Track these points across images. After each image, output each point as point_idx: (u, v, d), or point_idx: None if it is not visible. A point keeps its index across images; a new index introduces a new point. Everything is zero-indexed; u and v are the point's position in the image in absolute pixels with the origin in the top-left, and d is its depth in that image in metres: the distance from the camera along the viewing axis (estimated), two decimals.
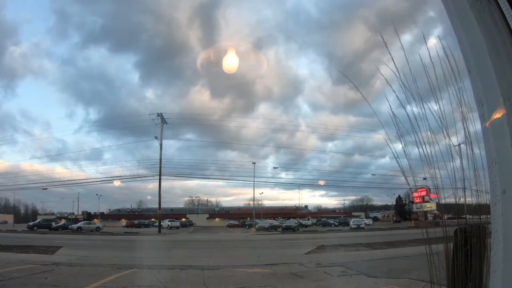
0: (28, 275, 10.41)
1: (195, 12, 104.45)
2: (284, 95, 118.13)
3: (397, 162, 3.75)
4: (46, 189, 64.26)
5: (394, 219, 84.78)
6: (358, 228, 54.11)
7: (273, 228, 56.88)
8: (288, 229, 54.43)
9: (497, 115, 1.72)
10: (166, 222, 65.19)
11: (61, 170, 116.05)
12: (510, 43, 1.71)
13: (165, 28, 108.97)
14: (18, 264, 12.33)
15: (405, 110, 3.60)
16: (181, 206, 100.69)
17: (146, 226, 71.24)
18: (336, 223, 71.75)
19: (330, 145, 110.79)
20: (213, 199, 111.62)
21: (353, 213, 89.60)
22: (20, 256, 15.54)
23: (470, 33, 1.84)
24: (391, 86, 3.62)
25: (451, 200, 3.64)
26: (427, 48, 3.41)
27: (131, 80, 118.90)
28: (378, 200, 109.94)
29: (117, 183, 61.80)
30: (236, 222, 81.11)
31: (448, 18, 1.97)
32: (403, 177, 3.81)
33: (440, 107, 3.45)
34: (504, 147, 1.68)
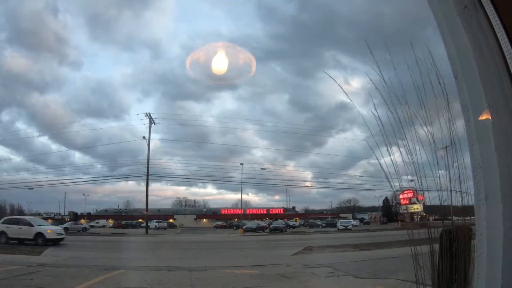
0: (14, 277, 10.30)
1: None
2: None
3: (381, 167, 3.79)
4: (32, 188, 63.44)
5: (381, 220, 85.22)
6: (345, 229, 54.34)
7: (260, 229, 56.69)
8: (275, 230, 54.37)
9: (481, 120, 1.76)
10: (153, 223, 64.81)
11: (48, 170, 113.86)
12: (496, 50, 1.75)
13: None
14: (3, 265, 12.17)
15: (392, 112, 3.63)
16: (169, 206, 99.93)
17: (134, 226, 70.60)
18: (324, 224, 71.80)
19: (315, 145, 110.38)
20: (200, 200, 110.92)
21: (341, 214, 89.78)
22: (5, 257, 15.33)
23: (457, 40, 1.88)
24: (377, 88, 3.66)
25: (438, 202, 3.70)
26: (414, 52, 3.45)
27: None
28: (365, 202, 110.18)
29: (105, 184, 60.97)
30: (223, 223, 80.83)
31: (436, 25, 2.01)
32: (390, 179, 3.85)
33: (425, 110, 3.50)
34: (489, 152, 1.72)
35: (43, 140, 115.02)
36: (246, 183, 69.55)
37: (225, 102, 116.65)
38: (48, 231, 23.78)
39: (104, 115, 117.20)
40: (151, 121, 54.90)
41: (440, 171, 3.61)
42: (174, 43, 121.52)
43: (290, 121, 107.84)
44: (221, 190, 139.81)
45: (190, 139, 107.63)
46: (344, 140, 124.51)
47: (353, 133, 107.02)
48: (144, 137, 54.91)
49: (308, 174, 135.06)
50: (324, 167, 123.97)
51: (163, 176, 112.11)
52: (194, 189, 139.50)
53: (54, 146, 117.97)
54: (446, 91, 3.25)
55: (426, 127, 3.49)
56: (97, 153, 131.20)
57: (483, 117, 1.75)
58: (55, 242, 22.99)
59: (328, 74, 4.22)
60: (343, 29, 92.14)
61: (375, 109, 3.78)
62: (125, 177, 78.21)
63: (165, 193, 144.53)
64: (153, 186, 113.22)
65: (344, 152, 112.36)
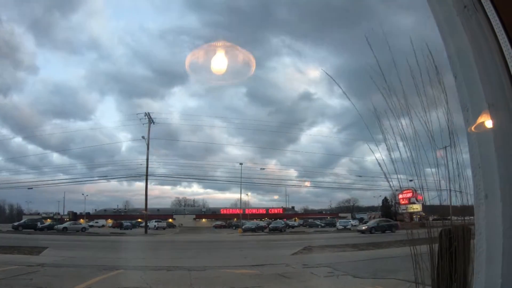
0: (13, 276, 10.28)
1: None
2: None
3: (380, 166, 3.78)
4: (31, 188, 63.41)
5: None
6: (345, 229, 54.36)
7: (260, 229, 56.61)
8: (275, 230, 54.36)
9: (481, 120, 1.76)
10: (152, 223, 64.83)
11: (47, 169, 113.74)
12: (496, 50, 1.75)
13: None
14: (2, 265, 12.13)
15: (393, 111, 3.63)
16: (168, 206, 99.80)
17: (133, 226, 70.48)
18: (323, 224, 71.74)
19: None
20: (200, 200, 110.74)
21: (340, 214, 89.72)
22: (4, 257, 15.29)
23: (457, 40, 1.88)
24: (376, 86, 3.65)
25: (437, 202, 3.70)
26: (413, 50, 3.45)
27: None
28: (364, 201, 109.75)
29: (104, 183, 61.11)
30: (223, 223, 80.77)
31: (436, 25, 2.01)
32: (390, 178, 3.84)
33: (425, 110, 3.50)
34: (488, 152, 1.72)
35: (18, 141, 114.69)
36: (235, 182, 69.25)
37: (180, 99, 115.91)
38: None
39: (71, 116, 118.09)
40: (151, 120, 54.84)
41: (439, 170, 3.61)
42: (115, 42, 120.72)
43: (254, 116, 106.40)
44: (208, 190, 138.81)
45: (161, 138, 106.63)
46: (325, 135, 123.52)
47: (326, 127, 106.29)
48: (143, 137, 54.86)
49: (293, 173, 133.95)
50: (307, 165, 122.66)
51: (161, 176, 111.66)
52: (180, 189, 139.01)
53: (31, 147, 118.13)
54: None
55: (425, 123, 3.49)
56: (92, 153, 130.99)
57: (483, 117, 1.75)
58: None
59: (328, 74, 4.20)
60: (284, 10, 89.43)
61: (373, 106, 3.77)
62: (123, 177, 77.97)
63: (152, 192, 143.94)
64: (153, 187, 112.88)
65: (322, 147, 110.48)
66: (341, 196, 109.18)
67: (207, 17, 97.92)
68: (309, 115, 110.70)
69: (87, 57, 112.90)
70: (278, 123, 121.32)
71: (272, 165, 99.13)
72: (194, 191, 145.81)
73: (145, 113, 54.86)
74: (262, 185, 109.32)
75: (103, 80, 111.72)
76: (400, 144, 3.66)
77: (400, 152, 3.66)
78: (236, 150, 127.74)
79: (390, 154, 3.74)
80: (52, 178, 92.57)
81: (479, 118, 1.77)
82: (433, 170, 3.63)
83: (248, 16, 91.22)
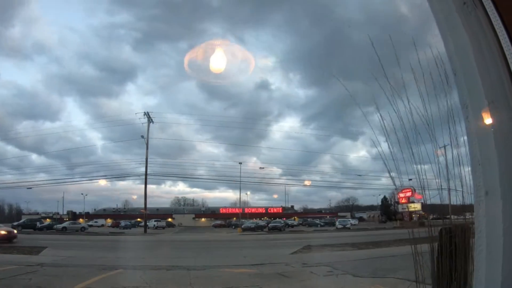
0: (12, 276, 10.27)
1: None
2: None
3: (384, 163, 3.77)
4: (31, 188, 63.40)
5: (380, 219, 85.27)
6: (344, 228, 54.35)
7: (259, 228, 56.64)
8: (274, 229, 54.31)
9: (481, 118, 1.75)
10: (152, 222, 64.85)
11: (46, 169, 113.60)
12: (495, 47, 1.74)
13: None
14: (2, 265, 12.13)
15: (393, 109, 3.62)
16: (167, 206, 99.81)
17: (132, 226, 70.52)
18: (322, 223, 71.75)
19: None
20: (199, 199, 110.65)
21: (339, 213, 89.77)
22: (4, 256, 15.30)
23: (456, 36, 1.87)
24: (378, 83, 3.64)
25: (437, 201, 3.69)
26: (416, 49, 3.44)
27: None
28: (364, 201, 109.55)
29: (102, 182, 61.17)
30: (222, 222, 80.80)
31: (435, 22, 2.00)
32: (386, 178, 3.84)
33: (426, 108, 3.49)
34: (488, 149, 1.71)
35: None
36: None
37: (134, 96, 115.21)
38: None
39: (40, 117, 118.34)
40: (150, 120, 54.78)
41: (439, 167, 3.60)
42: (60, 45, 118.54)
43: (215, 112, 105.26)
44: (220, 189, 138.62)
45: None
46: (300, 132, 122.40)
47: (294, 120, 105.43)
48: (142, 136, 54.76)
49: (277, 171, 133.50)
50: (288, 162, 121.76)
51: (159, 176, 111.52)
52: (193, 188, 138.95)
53: (9, 147, 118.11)
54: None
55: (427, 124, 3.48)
56: (89, 154, 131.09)
57: (483, 113, 1.74)
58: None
59: (335, 76, 4.19)
60: None
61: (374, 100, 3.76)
62: (123, 177, 78.16)
63: (150, 191, 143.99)
64: (152, 186, 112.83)
65: (298, 144, 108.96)
66: (333, 195, 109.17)
67: (139, 10, 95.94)
68: (273, 107, 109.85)
69: (38, 61, 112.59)
70: (245, 119, 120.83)
71: (257, 163, 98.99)
72: (193, 190, 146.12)
73: (144, 112, 54.78)
74: (256, 184, 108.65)
75: (60, 83, 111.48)
76: (396, 141, 3.65)
77: (400, 147, 3.65)
78: (210, 148, 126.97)
79: (390, 151, 3.73)
80: (46, 178, 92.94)
81: (479, 115, 1.76)
82: (433, 167, 3.63)
83: (180, 7, 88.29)
